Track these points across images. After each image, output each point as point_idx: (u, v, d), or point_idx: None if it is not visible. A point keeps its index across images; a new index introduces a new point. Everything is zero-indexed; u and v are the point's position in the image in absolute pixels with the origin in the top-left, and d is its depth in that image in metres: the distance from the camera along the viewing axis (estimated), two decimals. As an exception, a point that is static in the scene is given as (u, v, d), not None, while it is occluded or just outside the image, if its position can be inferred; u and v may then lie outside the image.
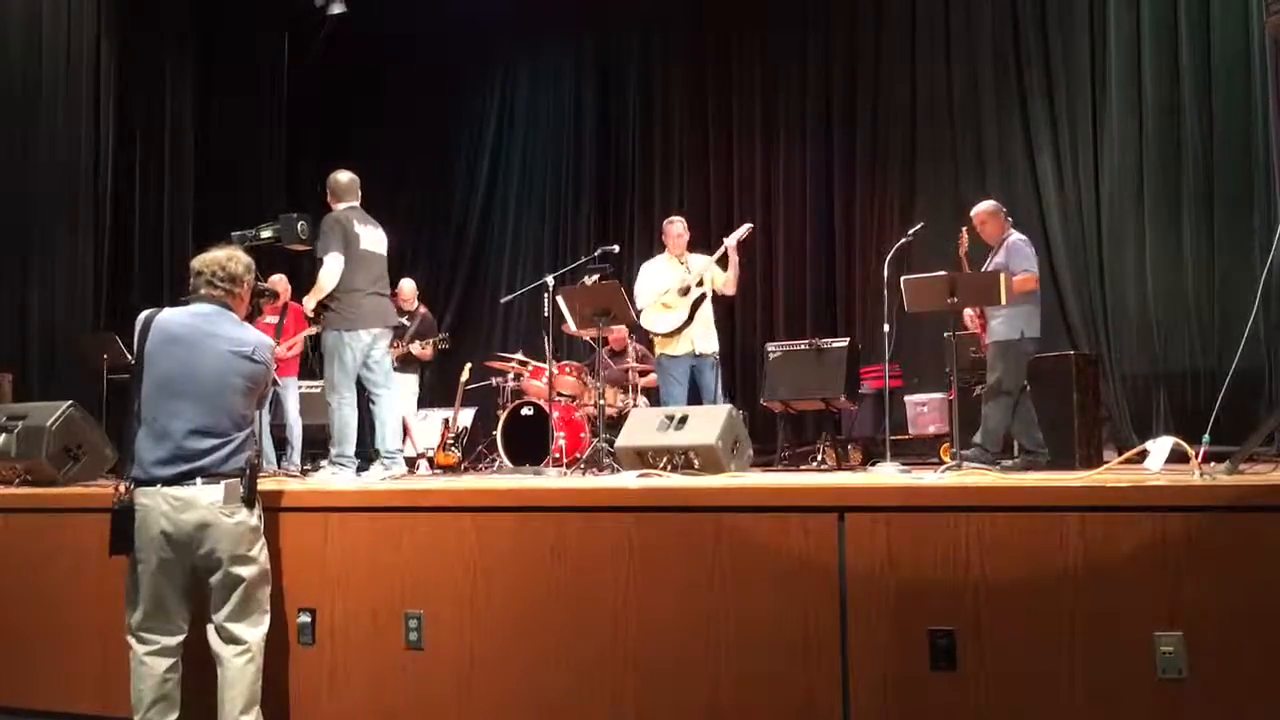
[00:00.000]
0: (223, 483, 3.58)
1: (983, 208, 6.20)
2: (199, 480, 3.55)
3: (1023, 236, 6.08)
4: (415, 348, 8.30)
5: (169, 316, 3.71)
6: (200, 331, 3.67)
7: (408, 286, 8.72)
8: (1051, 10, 8.74)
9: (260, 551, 3.73)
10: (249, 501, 3.66)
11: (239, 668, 3.65)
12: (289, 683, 4.06)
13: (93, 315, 8.81)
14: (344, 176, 5.85)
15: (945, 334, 5.61)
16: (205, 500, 3.55)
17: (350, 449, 5.58)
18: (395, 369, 8.28)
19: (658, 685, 3.62)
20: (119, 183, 9.33)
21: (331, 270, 5.51)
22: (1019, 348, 5.81)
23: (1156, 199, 8.15)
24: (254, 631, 3.71)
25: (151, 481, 3.57)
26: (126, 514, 3.60)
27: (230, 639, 3.67)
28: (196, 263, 3.82)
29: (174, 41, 10.03)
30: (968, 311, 6.07)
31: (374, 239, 5.75)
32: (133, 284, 9.34)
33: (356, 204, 5.83)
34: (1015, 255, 5.91)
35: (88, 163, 8.96)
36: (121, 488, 3.60)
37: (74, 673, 4.39)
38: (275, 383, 7.33)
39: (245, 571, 3.66)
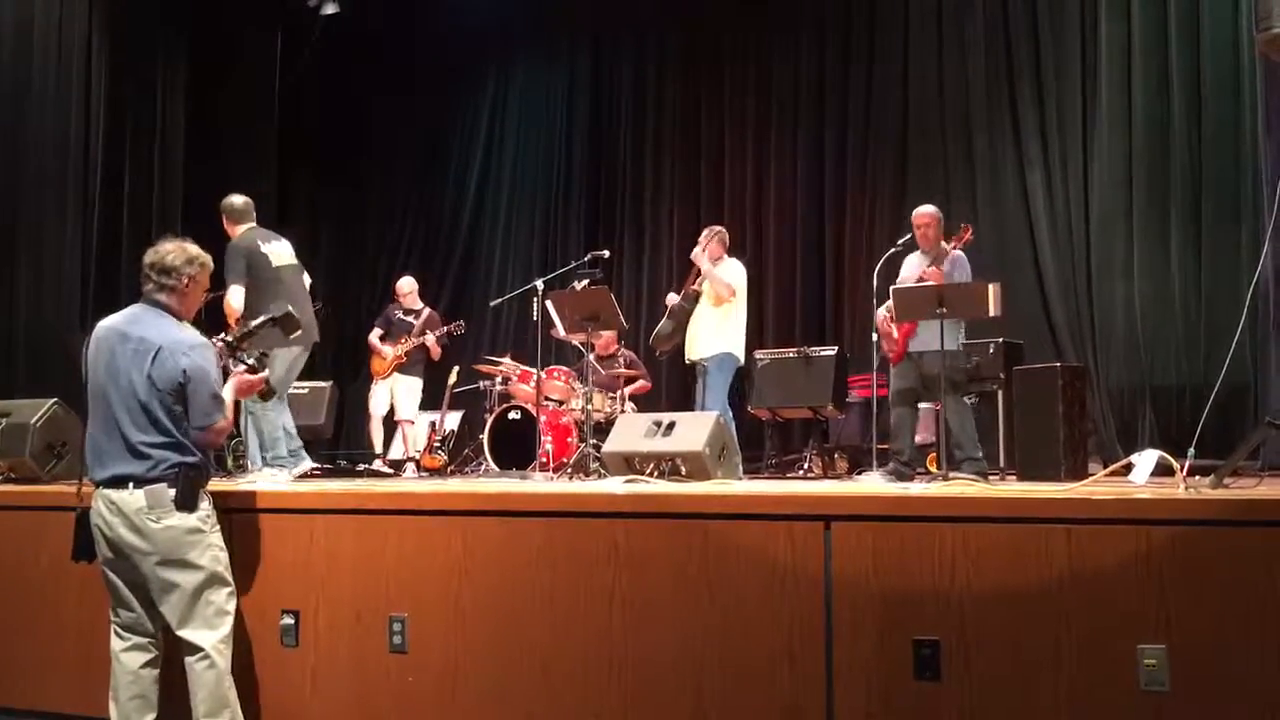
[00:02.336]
0: (145, 489, 3.53)
1: (929, 211, 6.04)
2: (130, 486, 3.53)
3: (962, 253, 5.94)
4: (429, 340, 8.24)
5: (102, 323, 3.72)
6: (120, 335, 3.65)
7: (407, 284, 8.70)
8: (1043, 20, 8.75)
9: (203, 555, 3.63)
10: (183, 505, 3.57)
11: (198, 673, 3.61)
12: (272, 684, 4.04)
13: (79, 313, 8.75)
14: (238, 200, 5.78)
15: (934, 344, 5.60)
16: (132, 507, 3.52)
17: (283, 449, 5.63)
18: (400, 371, 8.36)
19: (642, 691, 3.61)
20: (108, 181, 9.26)
21: (233, 301, 5.48)
22: (952, 359, 5.71)
23: (1145, 212, 8.16)
24: (208, 635, 3.62)
25: (96, 485, 3.59)
26: (86, 517, 3.62)
27: (184, 644, 3.62)
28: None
29: (166, 40, 9.98)
30: (880, 314, 5.95)
31: (283, 253, 5.72)
32: (120, 283, 9.25)
33: (253, 224, 5.78)
34: (959, 270, 5.83)
35: (77, 161, 8.89)
36: (82, 490, 3.60)
37: (55, 671, 4.36)
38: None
39: (180, 577, 3.58)
